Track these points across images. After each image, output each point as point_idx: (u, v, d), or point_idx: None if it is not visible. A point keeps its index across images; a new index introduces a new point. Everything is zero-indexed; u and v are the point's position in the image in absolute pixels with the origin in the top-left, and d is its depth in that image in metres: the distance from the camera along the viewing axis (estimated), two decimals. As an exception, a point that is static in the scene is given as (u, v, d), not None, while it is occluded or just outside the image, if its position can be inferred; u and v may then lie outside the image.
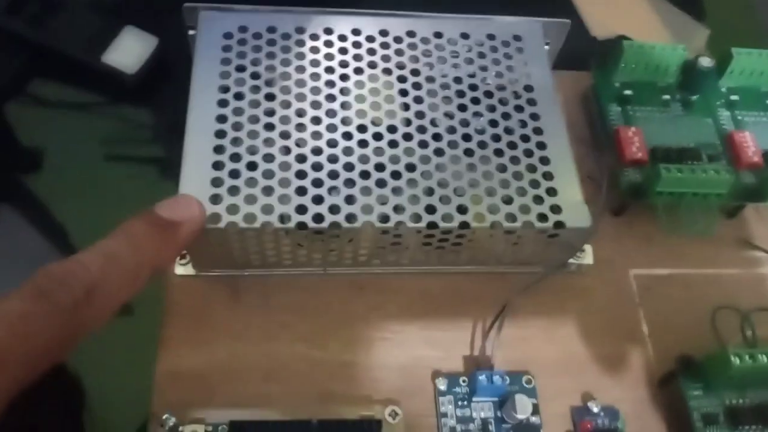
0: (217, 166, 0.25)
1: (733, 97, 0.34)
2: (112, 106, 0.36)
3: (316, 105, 0.27)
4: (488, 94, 0.29)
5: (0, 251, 0.32)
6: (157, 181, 0.34)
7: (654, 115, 0.33)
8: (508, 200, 0.26)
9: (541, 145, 0.27)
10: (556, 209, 0.26)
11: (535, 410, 0.27)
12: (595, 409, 0.27)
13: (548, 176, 0.27)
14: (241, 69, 0.27)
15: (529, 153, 0.27)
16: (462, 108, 0.28)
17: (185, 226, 0.22)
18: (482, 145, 0.27)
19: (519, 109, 0.28)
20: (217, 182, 0.25)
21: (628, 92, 0.34)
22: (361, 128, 0.27)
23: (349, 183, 0.25)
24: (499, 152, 0.27)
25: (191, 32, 0.29)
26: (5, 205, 0.33)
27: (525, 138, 0.28)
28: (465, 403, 0.27)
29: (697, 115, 0.34)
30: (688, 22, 0.43)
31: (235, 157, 0.25)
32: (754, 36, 0.44)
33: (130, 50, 0.34)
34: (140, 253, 0.20)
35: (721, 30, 0.43)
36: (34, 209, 0.33)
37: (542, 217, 0.26)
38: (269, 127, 0.26)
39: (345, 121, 0.27)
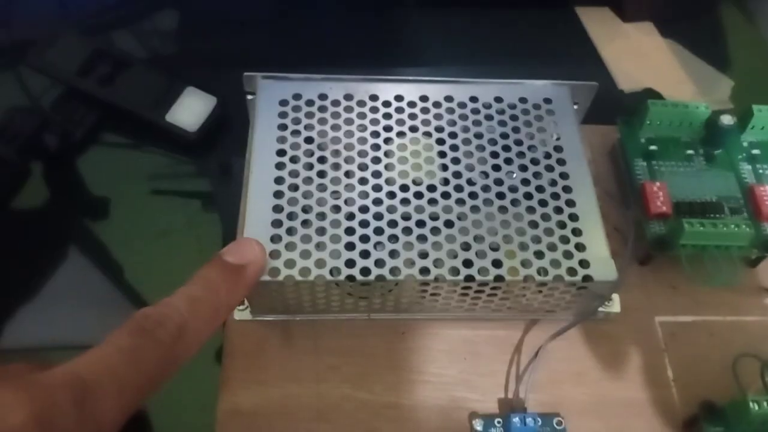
0: (276, 224, 0.28)
1: (755, 152, 0.36)
2: (173, 156, 0.39)
3: (363, 167, 0.30)
4: (520, 155, 0.31)
5: (68, 288, 0.35)
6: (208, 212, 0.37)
7: (678, 169, 0.35)
8: (539, 255, 0.28)
9: (570, 203, 0.30)
10: (584, 263, 0.28)
11: (566, 450, 0.29)
12: (623, 451, 0.29)
13: (577, 232, 0.29)
14: (296, 133, 0.30)
15: (558, 210, 0.29)
16: (496, 168, 0.30)
17: (250, 267, 0.25)
18: (515, 202, 0.29)
19: (549, 168, 0.31)
20: (275, 239, 0.27)
21: (653, 147, 0.36)
22: (404, 188, 0.29)
23: (393, 238, 0.28)
24: (530, 209, 0.29)
25: (249, 97, 0.32)
26: (73, 246, 0.37)
27: (555, 196, 0.30)
28: (500, 442, 0.29)
29: (719, 169, 0.36)
30: (713, 73, 0.45)
31: (291, 216, 0.28)
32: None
33: (191, 110, 0.37)
34: (217, 295, 0.23)
35: (745, 81, 0.45)
36: (97, 251, 0.36)
37: (571, 271, 0.28)
38: (321, 187, 0.29)
39: (389, 181, 0.29)
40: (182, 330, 0.21)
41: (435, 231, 0.28)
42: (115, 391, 0.19)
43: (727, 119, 0.35)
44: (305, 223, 0.28)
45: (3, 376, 0.19)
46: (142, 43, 0.44)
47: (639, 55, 0.46)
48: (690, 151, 0.36)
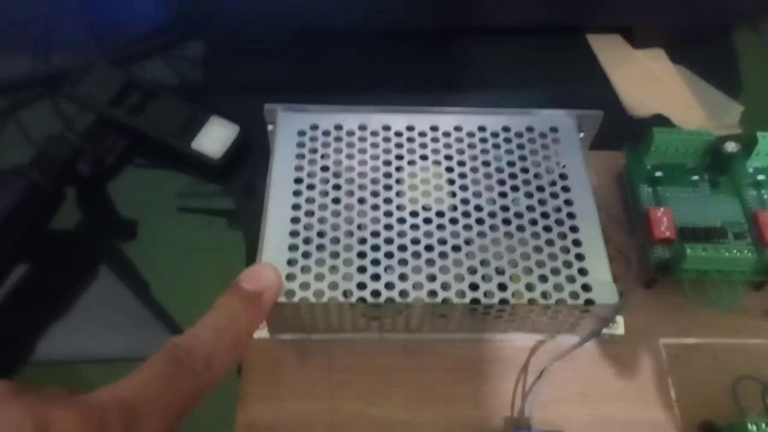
0: (292, 248, 0.29)
1: (760, 177, 0.37)
2: (198, 182, 0.41)
3: (375, 194, 0.31)
4: (526, 182, 0.32)
5: (98, 305, 0.37)
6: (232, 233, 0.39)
7: (683, 195, 0.36)
8: (543, 279, 0.29)
9: (574, 229, 0.31)
10: (586, 287, 0.29)
11: (569, 468, 0.30)
12: (625, 469, 0.30)
13: (580, 257, 0.30)
14: (312, 162, 0.32)
15: (562, 236, 0.31)
16: (503, 194, 0.32)
17: (267, 293, 0.27)
18: (521, 228, 0.31)
19: (554, 195, 0.32)
20: (291, 262, 0.29)
21: (658, 174, 0.37)
22: (414, 214, 0.31)
23: (403, 262, 0.29)
24: (535, 235, 0.31)
25: (270, 127, 0.34)
26: (104, 266, 0.39)
27: (559, 222, 0.31)
28: (505, 459, 0.30)
29: (724, 195, 0.36)
30: (723, 99, 0.46)
31: (307, 241, 0.30)
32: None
33: (215, 138, 0.39)
34: (238, 323, 0.25)
35: (755, 106, 0.46)
36: (126, 270, 0.38)
37: (574, 295, 0.29)
38: (335, 213, 0.31)
39: (399, 208, 0.31)
40: (210, 359, 0.23)
41: (443, 255, 0.30)
42: (157, 415, 0.21)
43: (731, 146, 0.36)
44: (320, 248, 0.30)
45: (44, 397, 0.21)
46: (170, 72, 0.46)
47: (649, 81, 0.47)
48: (695, 177, 0.37)
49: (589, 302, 0.29)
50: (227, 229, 0.40)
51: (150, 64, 0.46)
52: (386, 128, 0.33)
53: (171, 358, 0.22)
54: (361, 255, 0.29)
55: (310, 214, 0.31)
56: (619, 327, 0.32)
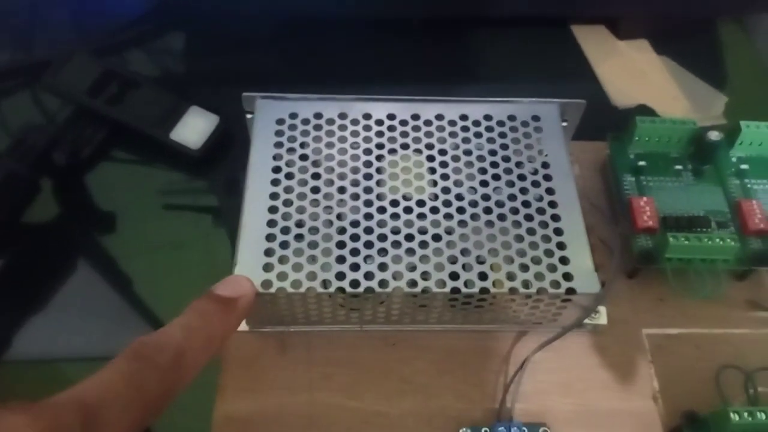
0: (270, 238, 0.29)
1: (743, 166, 0.37)
2: (178, 173, 0.40)
3: (355, 183, 0.31)
4: (508, 171, 0.32)
5: (76, 300, 0.36)
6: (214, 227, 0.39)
7: (666, 184, 0.36)
8: (524, 268, 0.29)
9: (556, 217, 0.31)
10: (568, 276, 0.29)
11: (551, 459, 0.29)
12: (608, 460, 0.29)
13: (561, 246, 0.30)
14: (291, 151, 0.32)
15: (544, 224, 0.30)
16: (484, 183, 0.31)
17: (241, 300, 0.26)
18: (502, 217, 0.30)
19: (536, 184, 0.32)
20: (269, 252, 0.29)
21: (642, 163, 0.36)
22: (394, 203, 0.30)
23: (382, 252, 0.29)
24: (516, 224, 0.30)
25: (249, 116, 0.34)
26: (81, 260, 0.38)
27: (541, 211, 0.31)
28: (486, 451, 0.30)
29: (708, 184, 0.36)
30: (708, 89, 0.46)
31: (285, 230, 0.29)
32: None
33: (194, 128, 0.39)
34: (211, 324, 0.24)
35: (740, 97, 0.46)
36: (104, 264, 0.38)
37: (555, 284, 0.29)
38: (315, 202, 0.30)
39: (380, 197, 0.31)
40: (179, 356, 0.22)
41: (423, 245, 0.29)
42: (119, 413, 0.20)
43: (714, 135, 0.36)
44: (298, 238, 0.29)
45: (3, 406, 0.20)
46: (151, 63, 0.46)
47: (633, 72, 0.47)
48: (679, 167, 0.37)
49: (570, 291, 0.29)
50: (209, 221, 0.39)
51: (131, 54, 0.46)
52: (367, 117, 0.33)
53: (135, 355, 0.22)
54: (341, 245, 0.29)
55: (288, 203, 0.30)
56: (601, 317, 0.32)
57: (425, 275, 0.29)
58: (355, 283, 0.28)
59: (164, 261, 0.37)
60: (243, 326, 0.32)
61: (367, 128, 0.33)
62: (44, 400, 0.20)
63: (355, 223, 0.30)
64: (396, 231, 0.30)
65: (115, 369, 0.21)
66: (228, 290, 0.26)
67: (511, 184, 0.32)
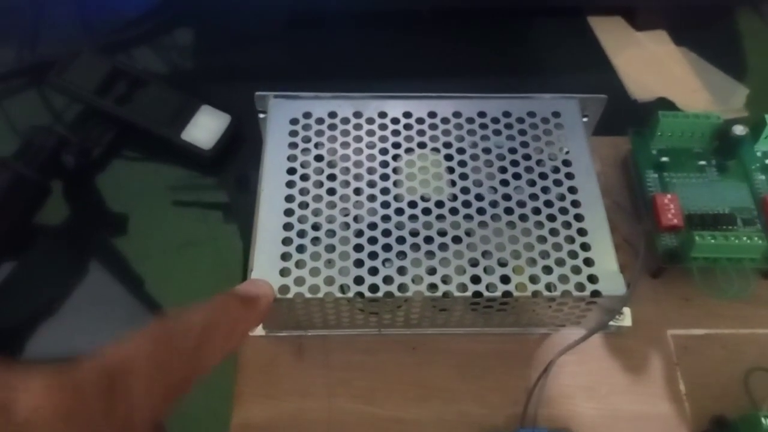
0: (286, 241, 0.28)
1: (769, 161, 0.36)
2: (189, 173, 0.40)
3: (371, 184, 0.30)
4: (529, 169, 0.31)
5: (89, 301, 0.36)
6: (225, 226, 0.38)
7: (690, 180, 0.35)
8: (547, 270, 0.28)
9: (579, 217, 0.30)
10: (593, 279, 0.28)
11: (576, 465, 0.29)
12: (634, 466, 0.29)
13: (585, 247, 0.29)
14: (306, 152, 0.31)
15: (567, 225, 0.29)
16: (504, 183, 0.31)
17: (261, 300, 0.26)
18: (523, 217, 0.30)
19: (558, 182, 0.31)
20: (285, 257, 0.28)
21: (664, 159, 0.36)
22: (412, 204, 0.30)
23: (401, 255, 0.28)
24: (539, 224, 0.29)
25: (261, 115, 0.33)
26: (94, 261, 0.37)
27: (563, 210, 0.30)
28: (509, 457, 0.29)
29: (733, 180, 0.35)
30: (728, 81, 0.45)
31: (301, 233, 0.28)
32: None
33: (206, 128, 0.38)
34: (232, 317, 0.24)
35: (761, 88, 0.45)
36: (117, 265, 0.37)
37: (580, 286, 0.28)
38: (331, 205, 0.29)
39: (397, 198, 0.30)
40: (200, 344, 0.22)
41: (443, 247, 0.29)
42: (142, 391, 0.19)
43: (739, 129, 0.35)
44: (315, 241, 0.28)
45: (14, 368, 0.19)
46: (160, 60, 0.45)
47: (652, 64, 0.45)
48: (702, 162, 0.36)
49: (595, 294, 0.28)
50: (221, 222, 0.39)
51: (139, 51, 0.45)
52: (382, 115, 0.32)
53: (158, 336, 0.21)
54: (358, 248, 0.28)
55: (304, 205, 0.29)
56: (626, 318, 0.31)
57: (445, 279, 0.28)
58: (373, 288, 0.27)
59: (176, 261, 0.37)
60: (259, 331, 0.31)
61: (383, 127, 0.32)
62: (65, 367, 0.18)
63: (372, 226, 0.29)
64: (414, 233, 0.29)
65: (140, 346, 0.20)
66: (249, 289, 0.26)
67: (532, 183, 0.31)
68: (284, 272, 0.27)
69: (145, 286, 0.36)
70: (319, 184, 0.30)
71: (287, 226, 0.29)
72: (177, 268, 0.37)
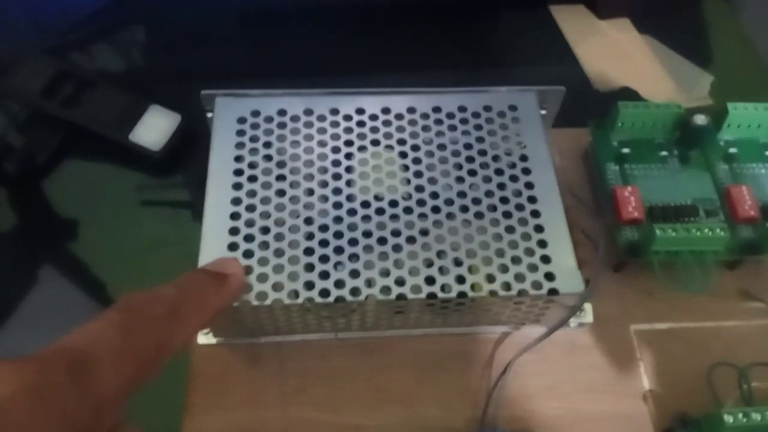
0: (232, 246, 0.27)
1: (732, 150, 0.35)
2: (140, 175, 0.38)
3: (323, 184, 0.29)
4: (485, 166, 0.30)
5: (41, 312, 0.35)
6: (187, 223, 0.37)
7: (652, 172, 0.35)
8: (503, 269, 0.27)
9: (535, 213, 0.29)
10: (550, 276, 0.27)
11: (538, 468, 0.28)
12: (597, 466, 0.28)
13: (542, 244, 0.28)
14: (253, 152, 0.30)
15: (523, 222, 0.29)
16: (459, 180, 0.30)
17: (233, 278, 0.25)
18: (479, 215, 0.29)
19: (514, 178, 0.30)
20: (231, 263, 0.27)
21: (626, 150, 0.35)
22: (365, 204, 0.29)
23: (354, 257, 0.27)
24: (495, 222, 0.29)
25: (209, 114, 0.32)
26: (44, 269, 0.36)
27: (520, 207, 0.29)
28: (470, 461, 0.28)
29: (695, 170, 0.35)
30: (692, 69, 0.45)
31: (248, 238, 0.27)
32: (758, 81, 0.45)
33: (155, 128, 0.37)
34: (203, 290, 0.24)
35: (726, 76, 0.44)
36: (69, 272, 0.36)
37: (537, 284, 0.27)
38: (280, 207, 0.28)
39: (350, 198, 0.29)
40: (172, 309, 0.21)
41: (397, 248, 0.28)
42: (110, 364, 0.18)
43: (700, 119, 0.35)
44: (263, 245, 0.27)
45: None
46: (110, 60, 0.43)
47: (615, 53, 0.45)
48: (664, 153, 0.35)
49: (552, 292, 0.27)
50: (174, 225, 0.37)
51: (88, 51, 0.44)
52: (334, 112, 0.31)
53: (126, 306, 0.20)
54: (309, 251, 0.27)
55: (251, 208, 0.28)
56: (587, 315, 0.31)
57: (400, 281, 0.27)
58: (324, 293, 0.26)
59: (128, 265, 0.36)
60: (210, 339, 0.30)
61: (335, 124, 0.31)
62: (31, 353, 0.18)
63: (323, 228, 0.28)
64: (368, 234, 0.28)
65: (106, 319, 0.20)
66: (218, 267, 0.25)
67: (488, 179, 0.30)
68: (230, 279, 0.26)
69: (98, 291, 0.35)
70: (268, 186, 0.29)
71: (233, 231, 0.28)
72: (130, 273, 0.35)
